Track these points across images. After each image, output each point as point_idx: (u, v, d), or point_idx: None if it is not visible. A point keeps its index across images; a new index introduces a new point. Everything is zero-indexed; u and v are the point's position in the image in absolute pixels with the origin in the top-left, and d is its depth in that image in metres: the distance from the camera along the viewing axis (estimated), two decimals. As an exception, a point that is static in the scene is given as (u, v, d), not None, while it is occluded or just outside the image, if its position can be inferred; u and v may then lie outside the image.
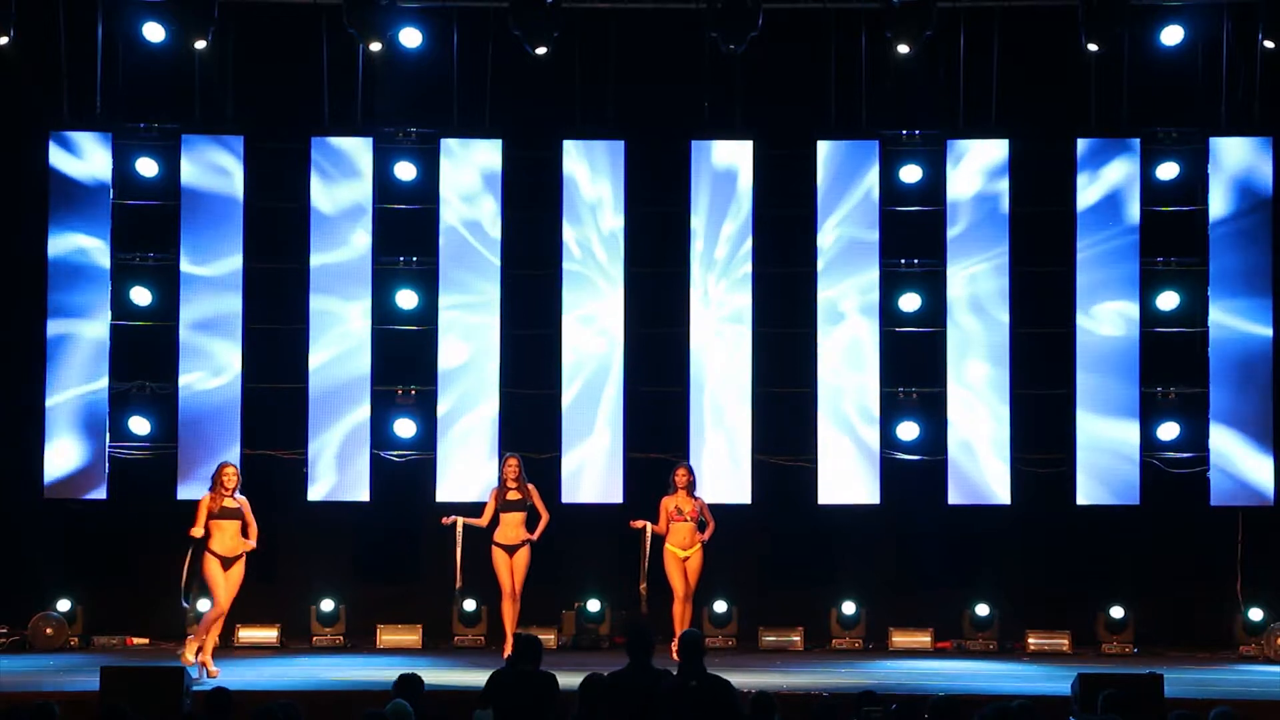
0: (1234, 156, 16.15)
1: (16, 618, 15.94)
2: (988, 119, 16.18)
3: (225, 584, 13.92)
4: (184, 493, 16.18)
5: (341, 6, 15.26)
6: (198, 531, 13.89)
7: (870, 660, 15.61)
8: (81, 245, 16.23)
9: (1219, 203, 16.13)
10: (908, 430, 16.24)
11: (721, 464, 16.23)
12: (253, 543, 14.11)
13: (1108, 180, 16.26)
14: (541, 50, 15.25)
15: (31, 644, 15.80)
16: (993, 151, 16.33)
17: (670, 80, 16.33)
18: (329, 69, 16.13)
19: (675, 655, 13.89)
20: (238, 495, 14.11)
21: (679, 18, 15.99)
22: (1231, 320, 16.10)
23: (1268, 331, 16.08)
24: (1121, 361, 16.20)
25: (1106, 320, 16.24)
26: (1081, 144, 16.26)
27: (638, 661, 9.66)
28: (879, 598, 16.40)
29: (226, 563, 13.97)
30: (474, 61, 16.22)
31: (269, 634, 16.14)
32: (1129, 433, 16.13)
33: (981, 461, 16.26)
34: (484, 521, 14.97)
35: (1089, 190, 16.25)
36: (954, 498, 16.28)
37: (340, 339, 16.36)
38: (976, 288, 16.34)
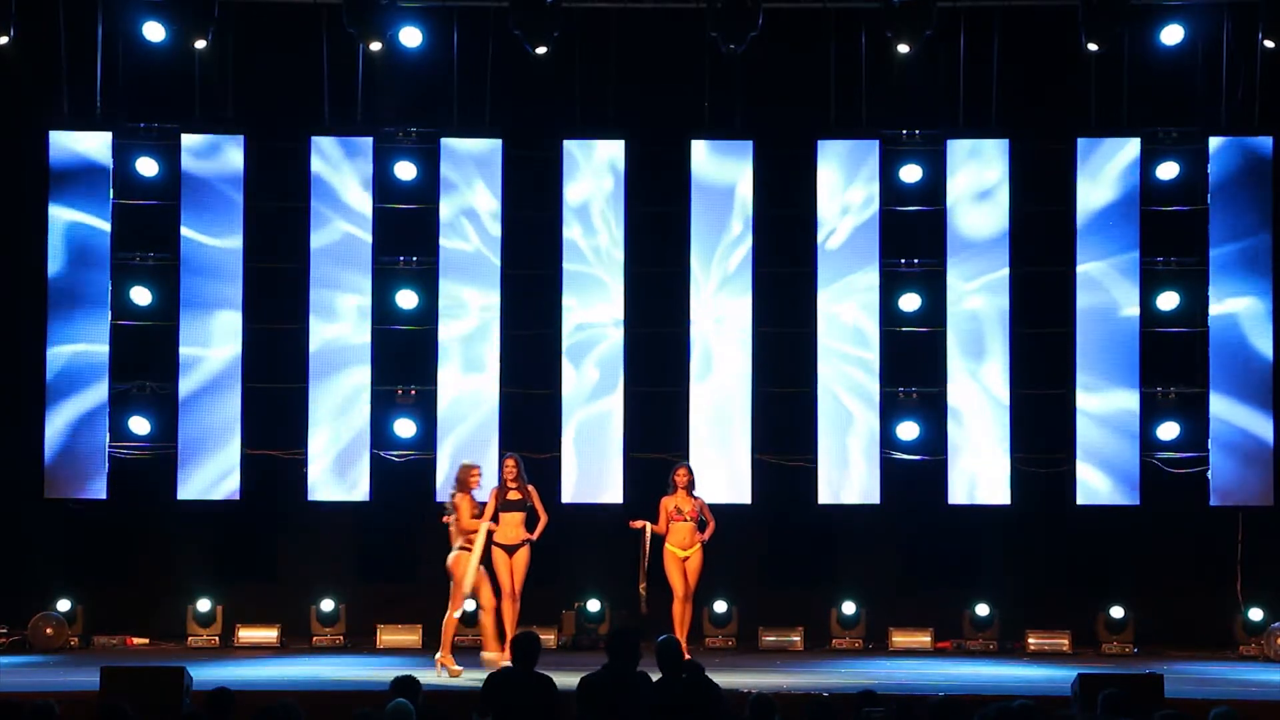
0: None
1: (16, 618, 15.94)
2: (988, 119, 16.18)
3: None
4: (184, 493, 16.20)
5: (341, 6, 15.25)
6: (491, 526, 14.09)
7: (870, 660, 15.61)
8: (81, 244, 16.23)
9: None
10: (908, 430, 16.24)
11: (721, 464, 16.22)
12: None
13: (1113, 180, 16.27)
14: (541, 50, 15.25)
15: (31, 644, 15.80)
16: (993, 151, 16.34)
17: (670, 80, 16.33)
18: (329, 69, 16.13)
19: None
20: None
21: (679, 18, 15.99)
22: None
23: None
24: (1122, 361, 16.21)
25: (1106, 319, 16.25)
26: (1081, 144, 16.26)
27: (615, 664, 9.62)
28: (879, 598, 16.40)
29: (511, 550, 14.41)
30: (474, 61, 16.22)
31: (269, 634, 16.15)
32: (1129, 433, 16.13)
33: (981, 461, 16.26)
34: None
35: (1095, 191, 16.26)
36: (954, 498, 16.28)
37: (340, 339, 16.38)
38: (976, 288, 16.34)
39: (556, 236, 16.48)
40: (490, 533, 13.97)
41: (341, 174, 16.43)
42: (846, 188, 16.46)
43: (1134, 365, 16.19)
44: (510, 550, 14.91)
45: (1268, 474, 16.08)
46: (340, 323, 16.39)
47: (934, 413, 16.28)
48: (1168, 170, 16.20)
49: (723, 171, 16.49)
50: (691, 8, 15.71)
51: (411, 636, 16.09)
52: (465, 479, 13.97)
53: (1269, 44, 15.24)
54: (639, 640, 9.79)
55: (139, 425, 16.19)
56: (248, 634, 16.13)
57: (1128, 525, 16.27)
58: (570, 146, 16.46)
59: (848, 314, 16.44)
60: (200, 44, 15.53)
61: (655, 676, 9.59)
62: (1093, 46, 15.23)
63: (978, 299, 16.35)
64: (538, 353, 16.49)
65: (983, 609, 16.22)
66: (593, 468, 16.35)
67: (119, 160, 16.27)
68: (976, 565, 16.49)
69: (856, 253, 16.43)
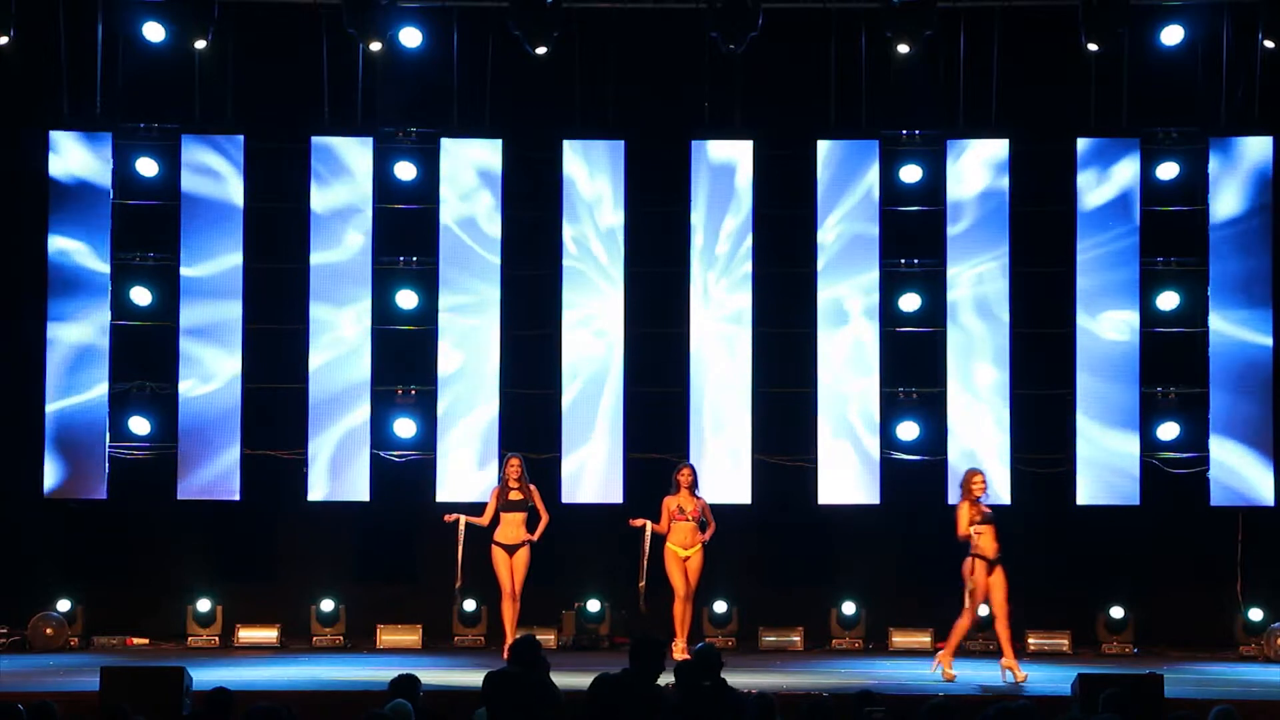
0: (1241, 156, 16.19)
1: (16, 618, 15.94)
2: (988, 119, 16.18)
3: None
4: (184, 493, 16.20)
5: (341, 6, 15.25)
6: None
7: (870, 660, 15.61)
8: (81, 245, 16.23)
9: (1224, 204, 16.16)
10: (908, 430, 16.24)
11: (721, 464, 16.22)
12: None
13: (1113, 180, 16.26)
14: (541, 50, 15.25)
15: (31, 644, 15.80)
16: (993, 151, 16.34)
17: (670, 80, 16.33)
18: (329, 69, 16.13)
19: (674, 655, 13.92)
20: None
21: (679, 18, 15.99)
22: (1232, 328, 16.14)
23: (1268, 340, 16.12)
24: (1122, 362, 16.21)
25: (1106, 321, 16.24)
26: (1081, 144, 16.27)
27: (635, 671, 9.56)
28: (879, 598, 16.39)
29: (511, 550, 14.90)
30: (474, 61, 16.22)
31: (269, 634, 16.14)
32: (1129, 433, 16.13)
33: (981, 462, 16.23)
34: (485, 521, 15.01)
35: (1095, 191, 16.25)
36: (954, 498, 16.23)
37: (340, 339, 16.38)
38: (977, 288, 16.34)
39: (556, 236, 16.48)
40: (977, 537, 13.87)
41: (341, 174, 16.42)
42: (846, 188, 16.45)
43: (1134, 365, 16.19)
44: (511, 550, 14.95)
45: (1268, 474, 16.08)
46: (340, 323, 16.38)
47: (934, 413, 16.27)
48: (1168, 170, 16.19)
49: (723, 172, 16.49)
50: (691, 8, 15.70)
51: (411, 636, 16.10)
52: (969, 485, 13.95)
53: (1269, 44, 15.24)
54: (664, 652, 9.76)
55: (139, 425, 16.19)
56: (248, 634, 16.12)
57: (1128, 525, 16.27)
58: (570, 146, 16.46)
59: (847, 314, 16.43)
60: (200, 44, 15.53)
61: (666, 681, 9.56)
62: (1093, 46, 15.23)
63: (978, 299, 16.33)
64: (538, 353, 16.49)
65: (983, 609, 16.18)
66: (593, 468, 16.34)
67: (119, 160, 16.27)
68: (976, 565, 16.45)
69: (856, 253, 16.43)
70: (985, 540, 13.90)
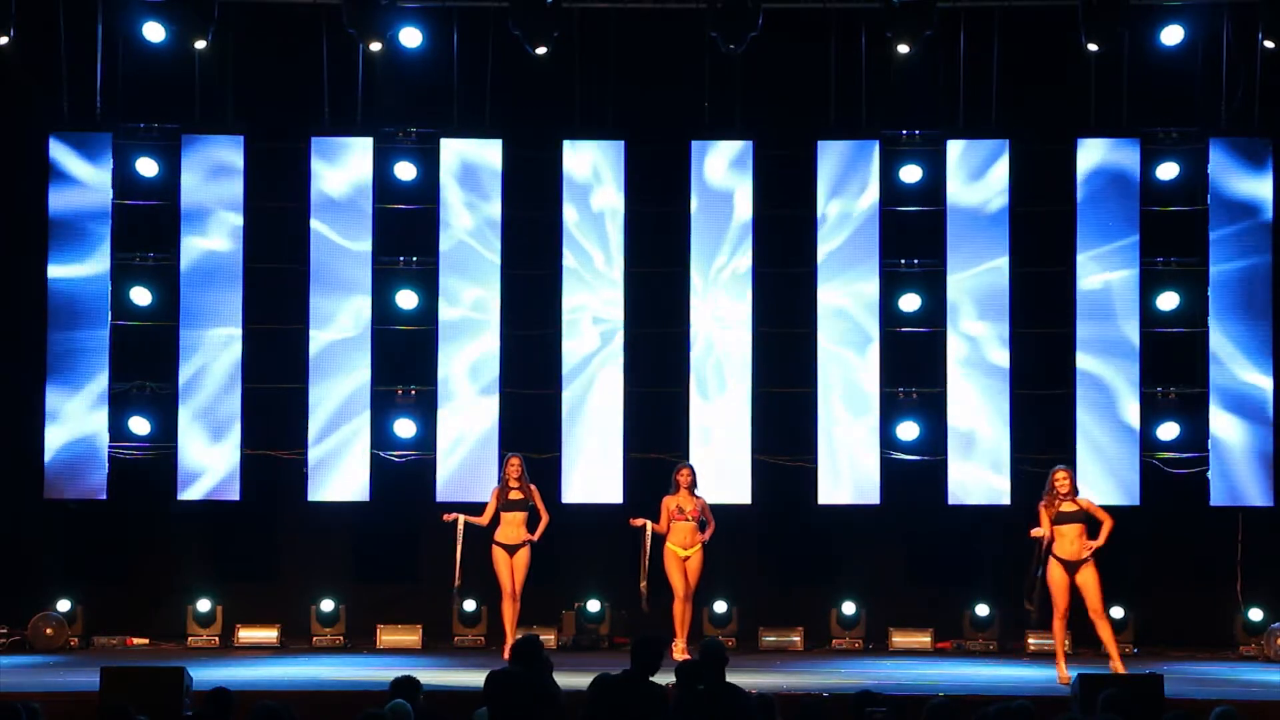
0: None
1: (16, 618, 15.94)
2: (988, 119, 16.18)
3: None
4: (184, 493, 16.19)
5: (341, 6, 15.25)
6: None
7: (870, 660, 15.61)
8: (81, 245, 16.22)
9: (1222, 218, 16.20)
10: (908, 430, 16.24)
11: (721, 464, 16.21)
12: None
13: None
14: (541, 50, 15.25)
15: (31, 644, 15.79)
16: (993, 151, 16.34)
17: (670, 80, 16.33)
18: (329, 69, 16.13)
19: (673, 655, 13.93)
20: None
21: (679, 18, 15.99)
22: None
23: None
24: (1122, 361, 16.21)
25: (1106, 319, 16.25)
26: (1081, 144, 16.26)
27: (636, 670, 9.56)
28: (879, 598, 16.39)
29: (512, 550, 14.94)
30: (474, 61, 16.22)
31: (269, 634, 16.14)
32: (1129, 433, 16.13)
33: (981, 461, 16.25)
34: (485, 520, 15.00)
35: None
36: (954, 498, 16.28)
37: (340, 339, 16.39)
38: (977, 288, 16.33)
39: (556, 236, 16.48)
40: (1051, 542, 13.71)
41: (341, 174, 16.42)
42: (846, 188, 16.45)
43: (1134, 365, 16.19)
44: (511, 550, 14.94)
45: (1268, 474, 16.08)
46: (340, 323, 16.37)
47: (934, 413, 16.27)
48: (1168, 170, 16.20)
49: (723, 171, 16.49)
50: (691, 8, 15.71)
51: (411, 636, 16.09)
52: (1050, 483, 13.89)
53: (1269, 44, 15.23)
54: (663, 650, 9.76)
55: (139, 425, 16.18)
56: (248, 634, 16.13)
57: (1128, 525, 16.22)
58: (570, 146, 16.46)
59: (848, 314, 16.43)
60: (200, 44, 15.52)
61: (666, 681, 9.55)
62: (1093, 46, 15.22)
63: (977, 299, 16.33)
64: (538, 353, 16.48)
65: (983, 609, 16.21)
66: (592, 468, 16.34)
67: (119, 160, 16.27)
68: (976, 565, 16.48)
69: (856, 253, 16.43)
70: (1062, 542, 13.74)
